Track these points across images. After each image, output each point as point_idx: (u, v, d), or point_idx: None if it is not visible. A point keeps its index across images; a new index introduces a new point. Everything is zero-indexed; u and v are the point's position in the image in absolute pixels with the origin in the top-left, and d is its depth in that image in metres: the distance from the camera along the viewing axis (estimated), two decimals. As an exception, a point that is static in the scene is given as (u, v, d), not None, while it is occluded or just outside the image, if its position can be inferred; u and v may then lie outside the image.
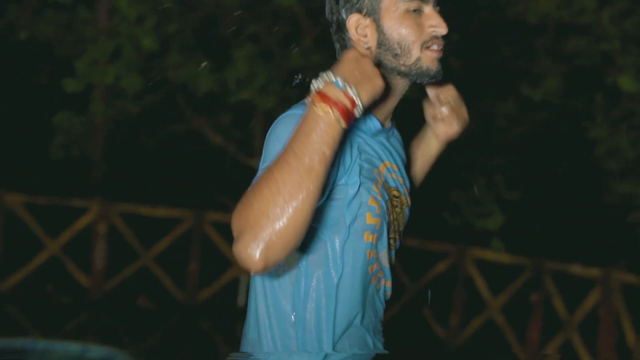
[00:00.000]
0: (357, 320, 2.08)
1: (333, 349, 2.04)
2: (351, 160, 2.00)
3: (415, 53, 2.05)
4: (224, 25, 10.93)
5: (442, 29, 2.04)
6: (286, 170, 1.82)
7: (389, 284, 2.17)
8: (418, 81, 2.09)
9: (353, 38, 2.08)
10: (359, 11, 2.06)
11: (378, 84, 1.92)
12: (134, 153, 12.37)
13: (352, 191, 2.01)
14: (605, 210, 10.37)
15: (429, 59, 2.06)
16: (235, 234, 1.82)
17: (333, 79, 1.88)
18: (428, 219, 10.92)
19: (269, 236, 1.79)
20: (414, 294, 9.96)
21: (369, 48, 2.07)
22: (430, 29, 2.05)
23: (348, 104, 1.86)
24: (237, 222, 1.82)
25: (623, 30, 9.41)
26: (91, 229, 10.04)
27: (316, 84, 1.90)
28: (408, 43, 2.04)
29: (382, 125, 2.13)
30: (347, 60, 1.91)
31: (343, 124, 1.86)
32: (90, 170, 11.51)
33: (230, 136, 11.89)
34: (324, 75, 1.90)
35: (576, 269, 8.76)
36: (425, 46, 2.05)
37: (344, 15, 2.08)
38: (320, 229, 2.02)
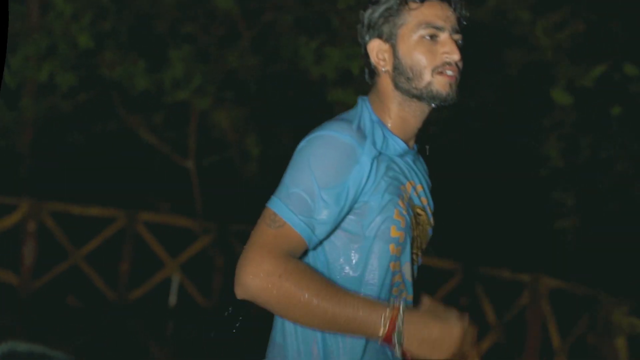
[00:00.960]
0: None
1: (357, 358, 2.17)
2: (376, 178, 2.13)
3: (427, 77, 2.18)
4: (160, 25, 10.97)
5: (455, 55, 2.18)
6: (317, 314, 2.02)
7: (410, 298, 2.28)
8: (432, 104, 2.22)
9: (373, 61, 2.24)
10: (380, 37, 2.22)
11: (442, 355, 2.05)
12: (65, 150, 12.29)
13: (376, 206, 2.13)
14: (535, 216, 10.65)
15: (440, 83, 2.18)
16: (254, 267, 2.01)
17: (426, 335, 2.04)
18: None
19: (265, 300, 2.01)
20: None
21: (386, 71, 2.23)
22: (443, 55, 2.18)
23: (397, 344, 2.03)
24: (270, 267, 2.00)
25: (556, 41, 9.66)
26: (20, 227, 9.94)
27: (403, 309, 2.04)
28: (420, 68, 2.18)
29: (407, 146, 2.26)
30: (449, 332, 2.06)
31: (379, 341, 2.05)
32: (19, 166, 11.42)
33: (164, 136, 11.91)
34: (415, 320, 2.04)
35: (505, 274, 9.00)
36: (437, 71, 2.18)
37: (366, 40, 2.24)
38: (342, 241, 2.16)
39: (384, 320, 2.02)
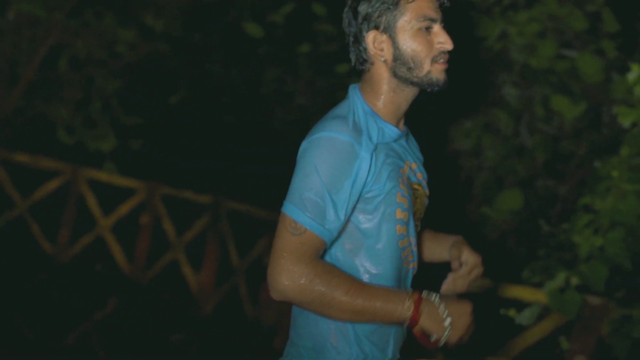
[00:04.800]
0: None
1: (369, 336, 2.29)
2: (376, 169, 2.22)
3: (427, 67, 2.27)
4: None
5: (449, 45, 2.27)
6: (347, 309, 2.14)
7: (415, 264, 2.43)
8: (428, 90, 2.31)
9: (371, 52, 2.30)
10: (377, 28, 2.27)
11: (455, 340, 2.21)
12: None
13: (380, 193, 2.24)
14: (215, 140, 10.59)
15: (438, 71, 2.28)
16: (288, 274, 2.11)
17: (447, 320, 2.19)
18: (40, 137, 10.47)
19: (300, 302, 2.15)
20: (24, 210, 9.54)
21: (385, 61, 2.29)
22: (439, 45, 2.27)
23: (427, 329, 2.19)
24: (301, 270, 2.11)
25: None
26: None
27: (426, 295, 2.20)
28: (420, 58, 2.26)
29: (399, 128, 2.37)
30: (463, 312, 2.21)
31: (405, 324, 2.19)
32: None
33: None
34: (440, 303, 2.20)
35: (188, 195, 8.86)
36: (434, 60, 2.27)
37: (364, 32, 2.29)
38: (352, 228, 2.26)
39: (407, 307, 2.15)
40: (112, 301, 8.20)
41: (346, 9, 2.34)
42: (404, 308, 2.15)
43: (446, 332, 2.18)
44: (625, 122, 5.34)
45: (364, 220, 2.25)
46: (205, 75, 10.45)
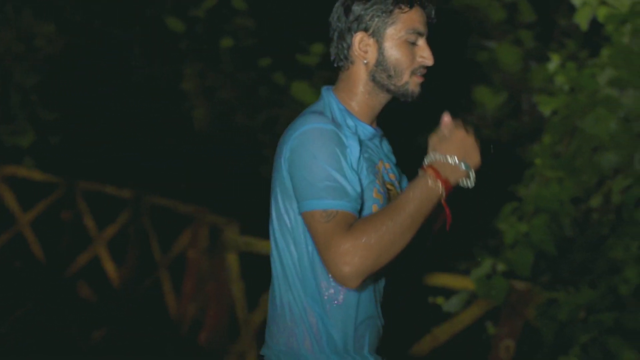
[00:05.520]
0: (370, 294, 2.29)
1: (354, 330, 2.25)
2: (358, 163, 2.20)
3: (405, 78, 2.27)
4: None
5: (430, 62, 2.28)
6: (403, 231, 2.07)
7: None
8: (402, 100, 2.31)
9: (354, 52, 2.28)
10: (365, 30, 2.26)
11: (477, 160, 2.18)
12: None
13: (361, 186, 2.20)
14: (146, 135, 10.34)
15: (414, 84, 2.28)
16: (341, 258, 2.03)
17: (457, 161, 2.15)
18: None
19: (371, 268, 2.05)
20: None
21: (367, 63, 2.28)
22: (421, 59, 2.27)
23: (456, 181, 2.17)
24: (350, 241, 2.04)
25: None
26: None
27: (431, 159, 2.16)
28: (402, 68, 2.26)
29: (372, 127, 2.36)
30: (458, 139, 2.17)
31: (444, 196, 2.15)
32: None
33: None
34: (444, 155, 2.15)
35: (109, 190, 8.59)
36: (413, 72, 2.27)
37: (352, 31, 2.27)
38: None
39: (434, 185, 2.12)
40: (32, 298, 7.90)
41: (338, 4, 2.32)
42: (434, 187, 2.12)
43: (470, 173, 2.17)
44: (546, 110, 5.30)
45: None
46: (126, 70, 10.19)
